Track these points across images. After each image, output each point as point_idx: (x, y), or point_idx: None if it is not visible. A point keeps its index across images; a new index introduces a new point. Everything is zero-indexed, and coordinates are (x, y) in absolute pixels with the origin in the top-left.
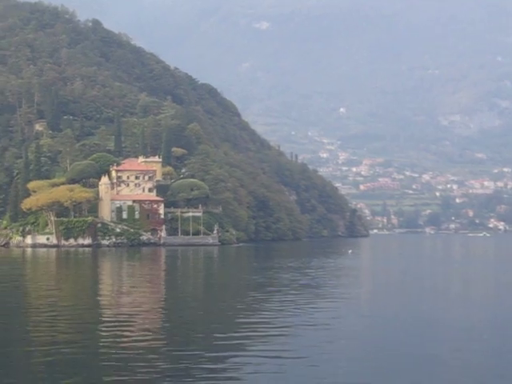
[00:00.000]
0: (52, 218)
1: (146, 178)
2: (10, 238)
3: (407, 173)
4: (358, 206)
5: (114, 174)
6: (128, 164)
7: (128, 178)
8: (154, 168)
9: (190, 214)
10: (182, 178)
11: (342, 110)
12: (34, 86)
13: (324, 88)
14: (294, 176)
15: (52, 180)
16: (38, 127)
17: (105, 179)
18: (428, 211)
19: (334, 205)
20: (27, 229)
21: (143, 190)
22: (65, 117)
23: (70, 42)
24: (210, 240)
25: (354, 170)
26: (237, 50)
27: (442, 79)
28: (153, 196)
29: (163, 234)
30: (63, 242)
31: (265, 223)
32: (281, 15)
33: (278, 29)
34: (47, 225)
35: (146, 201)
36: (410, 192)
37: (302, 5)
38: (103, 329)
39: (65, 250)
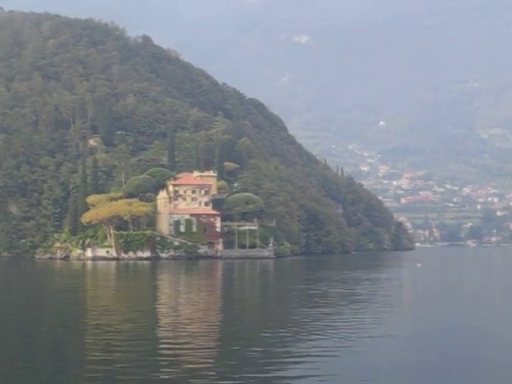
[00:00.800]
0: (111, 232)
1: (203, 192)
2: (70, 251)
3: (448, 186)
4: (400, 219)
5: (171, 188)
6: (184, 178)
7: (185, 192)
8: (210, 182)
9: (246, 228)
10: (235, 192)
11: (381, 123)
12: (88, 101)
13: (363, 101)
14: (341, 189)
15: (109, 194)
16: (92, 142)
17: (163, 193)
18: (469, 224)
19: (379, 218)
20: (87, 242)
21: (199, 204)
22: (118, 132)
23: (122, 59)
24: (265, 253)
25: (395, 183)
26: (276, 63)
27: (481, 92)
28: (209, 210)
29: (220, 247)
30: (123, 254)
31: (315, 236)
32: (320, 29)
33: (318, 42)
34: (106, 238)
35: (203, 215)
36: (451, 205)
37: (342, 18)
38: (161, 340)
39: (124, 262)
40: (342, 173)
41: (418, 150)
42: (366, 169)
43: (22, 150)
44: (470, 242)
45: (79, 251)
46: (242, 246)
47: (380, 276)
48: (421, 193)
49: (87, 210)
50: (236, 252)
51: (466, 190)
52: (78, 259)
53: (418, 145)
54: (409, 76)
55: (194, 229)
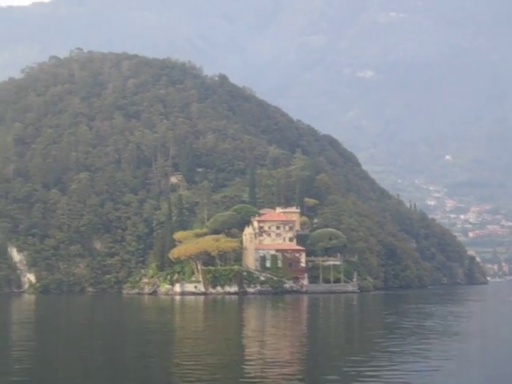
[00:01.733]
0: (199, 267)
1: (287, 227)
2: (158, 286)
3: None
4: (468, 253)
5: (255, 224)
6: (269, 215)
7: (269, 228)
8: (294, 218)
9: (330, 263)
10: (316, 228)
11: (447, 157)
12: (169, 139)
13: (429, 135)
14: (414, 224)
15: (195, 230)
16: (174, 179)
17: (249, 229)
18: None
19: (452, 252)
20: (175, 277)
21: (284, 240)
22: (199, 169)
23: (200, 97)
24: (350, 287)
25: (462, 217)
26: (341, 99)
27: None
28: (294, 245)
29: (305, 281)
30: (210, 289)
31: (393, 271)
32: (384, 64)
33: (382, 77)
34: (193, 273)
35: (288, 250)
36: None
37: (405, 53)
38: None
39: (212, 297)
40: (415, 207)
41: (485, 184)
42: (432, 203)
43: (105, 188)
44: None
45: (167, 286)
46: (327, 281)
47: (473, 310)
48: (488, 226)
49: (174, 246)
50: (321, 287)
51: None
52: (167, 294)
53: (484, 178)
54: (474, 109)
55: (280, 264)
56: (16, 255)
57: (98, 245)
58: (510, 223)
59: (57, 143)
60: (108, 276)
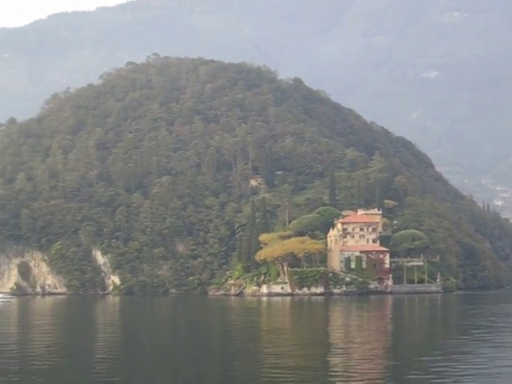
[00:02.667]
0: (285, 269)
1: (370, 229)
2: (244, 288)
3: None
4: None
5: (339, 226)
6: (352, 217)
7: (353, 229)
8: (377, 220)
9: (414, 264)
10: (396, 230)
11: None
12: (249, 143)
13: (494, 135)
14: (488, 225)
15: (279, 232)
16: (253, 182)
17: (334, 231)
18: None
19: None
20: (261, 279)
21: (367, 241)
22: (278, 172)
23: (276, 101)
24: (433, 288)
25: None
26: (406, 99)
27: None
28: (378, 247)
29: (390, 282)
30: (297, 290)
31: (471, 271)
32: (449, 63)
33: (447, 77)
34: (279, 275)
35: (372, 251)
36: None
37: (470, 52)
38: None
39: (299, 298)
40: (488, 208)
41: None
42: (499, 203)
43: (187, 191)
44: None
45: (254, 288)
46: (410, 282)
47: None
48: None
49: (259, 248)
50: (405, 287)
51: None
52: (253, 295)
53: None
54: None
55: (364, 265)
56: (100, 258)
57: (180, 247)
58: None
59: (138, 148)
60: (191, 278)
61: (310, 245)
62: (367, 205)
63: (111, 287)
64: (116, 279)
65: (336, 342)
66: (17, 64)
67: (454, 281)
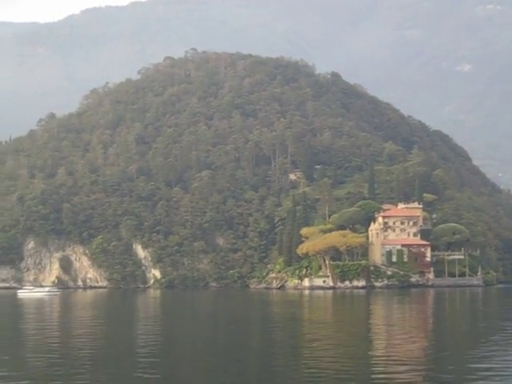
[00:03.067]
0: (327, 262)
1: (411, 223)
2: (286, 281)
3: None
4: None
5: (380, 219)
6: (393, 210)
7: (394, 223)
8: (418, 214)
9: (454, 257)
10: (436, 223)
11: None
12: (288, 137)
13: None
14: None
15: (320, 226)
16: (292, 176)
17: (375, 225)
18: None
19: None
20: (303, 272)
21: (408, 235)
22: (317, 166)
23: (314, 95)
24: (474, 281)
25: None
26: (439, 93)
27: None
28: (419, 240)
29: (431, 276)
30: (339, 284)
31: (511, 265)
32: (482, 57)
33: (480, 70)
34: (320, 268)
35: (413, 245)
36: None
37: (503, 45)
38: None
39: (341, 291)
40: None
41: None
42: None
43: (226, 186)
44: None
45: (296, 281)
46: (451, 275)
47: None
48: None
49: (300, 241)
50: (446, 281)
51: None
52: (295, 288)
53: None
54: None
55: (405, 259)
56: (141, 252)
57: (220, 241)
58: None
59: (177, 142)
60: (231, 271)
61: (351, 238)
62: (406, 199)
63: (152, 281)
64: (157, 273)
65: (379, 335)
66: (51, 59)
67: (494, 274)
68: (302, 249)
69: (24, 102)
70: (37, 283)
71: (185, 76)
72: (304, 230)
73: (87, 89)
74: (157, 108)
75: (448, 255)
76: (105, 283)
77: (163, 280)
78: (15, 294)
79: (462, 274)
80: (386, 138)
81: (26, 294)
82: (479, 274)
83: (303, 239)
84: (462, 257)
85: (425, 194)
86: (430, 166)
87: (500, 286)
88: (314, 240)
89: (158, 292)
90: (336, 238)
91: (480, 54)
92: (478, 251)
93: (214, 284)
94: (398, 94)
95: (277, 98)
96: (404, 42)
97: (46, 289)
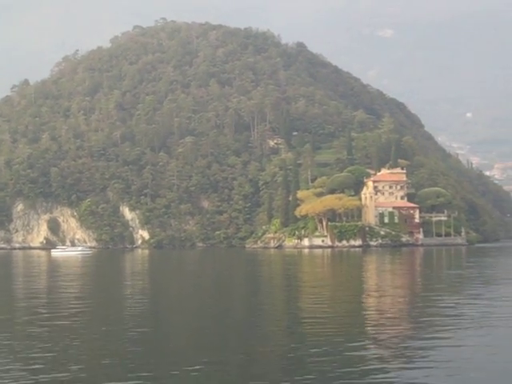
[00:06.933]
0: (324, 223)
1: (398, 187)
2: (283, 241)
3: None
4: None
5: (370, 184)
6: (382, 175)
7: (383, 187)
8: (404, 178)
9: (441, 219)
10: (412, 188)
11: (468, 114)
12: (267, 106)
13: (449, 93)
14: (473, 182)
15: (314, 190)
16: (271, 143)
17: (369, 189)
18: None
19: (507, 208)
20: (303, 232)
21: (396, 198)
22: (294, 133)
23: (284, 65)
24: (459, 240)
25: (487, 174)
26: (362, 58)
27: None
28: (408, 203)
29: (420, 235)
30: (337, 243)
31: (474, 226)
32: (404, 22)
33: (402, 36)
34: (316, 229)
35: (403, 207)
36: None
37: (425, 11)
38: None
39: (338, 250)
40: (471, 166)
41: (506, 141)
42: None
43: (210, 151)
44: None
45: (295, 241)
46: (438, 235)
47: None
48: None
49: (296, 204)
50: (434, 240)
51: None
52: (295, 248)
53: (505, 136)
54: (493, 66)
55: (396, 220)
56: (128, 214)
57: (206, 204)
58: None
59: (158, 110)
60: (218, 232)
61: (348, 201)
62: (382, 164)
63: (139, 241)
64: (145, 234)
65: (371, 285)
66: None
67: (475, 234)
68: (301, 211)
69: None
70: (25, 244)
71: (157, 45)
72: (300, 193)
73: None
74: (133, 76)
75: (434, 217)
76: (93, 244)
77: (152, 240)
78: (49, 255)
79: (448, 234)
80: (350, 106)
81: (60, 253)
82: (463, 233)
83: (298, 202)
84: (446, 218)
85: (399, 160)
86: (399, 133)
87: (481, 245)
88: (312, 203)
89: (147, 252)
90: (333, 201)
91: (402, 19)
92: (456, 213)
93: (200, 244)
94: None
95: (250, 67)
96: (327, 8)
97: (79, 248)
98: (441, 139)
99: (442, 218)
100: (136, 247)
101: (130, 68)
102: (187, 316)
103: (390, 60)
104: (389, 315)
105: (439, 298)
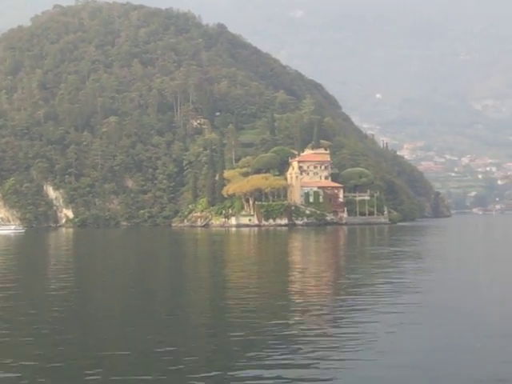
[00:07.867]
0: (251, 202)
1: (323, 167)
2: (210, 220)
3: (447, 156)
4: None
5: (295, 164)
6: (306, 156)
7: (308, 167)
8: (328, 159)
9: (364, 198)
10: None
11: (378, 95)
12: (190, 86)
13: (359, 74)
14: (388, 162)
15: (240, 169)
16: (194, 122)
17: (294, 169)
18: (473, 193)
19: (420, 188)
20: (230, 211)
21: (320, 178)
22: (217, 113)
23: (205, 45)
24: (382, 219)
25: (397, 154)
26: (273, 38)
27: (473, 65)
28: (332, 183)
29: (344, 214)
30: (263, 222)
31: (393, 205)
32: (314, 3)
33: (312, 17)
34: (243, 208)
35: (328, 187)
36: (453, 175)
37: None
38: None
39: (265, 228)
40: (387, 146)
41: (415, 122)
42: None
43: (134, 131)
44: (476, 210)
45: (222, 220)
46: (361, 214)
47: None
48: (423, 163)
49: (223, 184)
50: (358, 219)
51: (465, 160)
52: (222, 227)
53: (414, 117)
54: (402, 48)
55: (321, 199)
56: (52, 193)
57: (130, 183)
58: (442, 160)
59: (80, 89)
60: (142, 211)
61: (274, 181)
62: (305, 145)
63: (64, 220)
64: (69, 213)
65: (295, 261)
66: None
67: (395, 213)
68: (228, 190)
69: None
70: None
71: (79, 25)
72: (227, 173)
73: None
74: (54, 55)
75: (357, 196)
76: (17, 223)
77: (76, 219)
78: None
79: (371, 213)
80: (271, 87)
81: None
82: (385, 213)
83: (225, 182)
84: (369, 198)
85: (322, 141)
86: (320, 114)
87: (402, 223)
88: (239, 182)
89: (71, 230)
90: (260, 181)
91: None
92: (378, 193)
93: (124, 223)
94: None
95: (172, 48)
96: None
97: (12, 227)
98: (353, 120)
99: (365, 198)
100: (60, 226)
101: (52, 47)
102: (109, 294)
103: (301, 40)
104: (311, 286)
105: (360, 270)
